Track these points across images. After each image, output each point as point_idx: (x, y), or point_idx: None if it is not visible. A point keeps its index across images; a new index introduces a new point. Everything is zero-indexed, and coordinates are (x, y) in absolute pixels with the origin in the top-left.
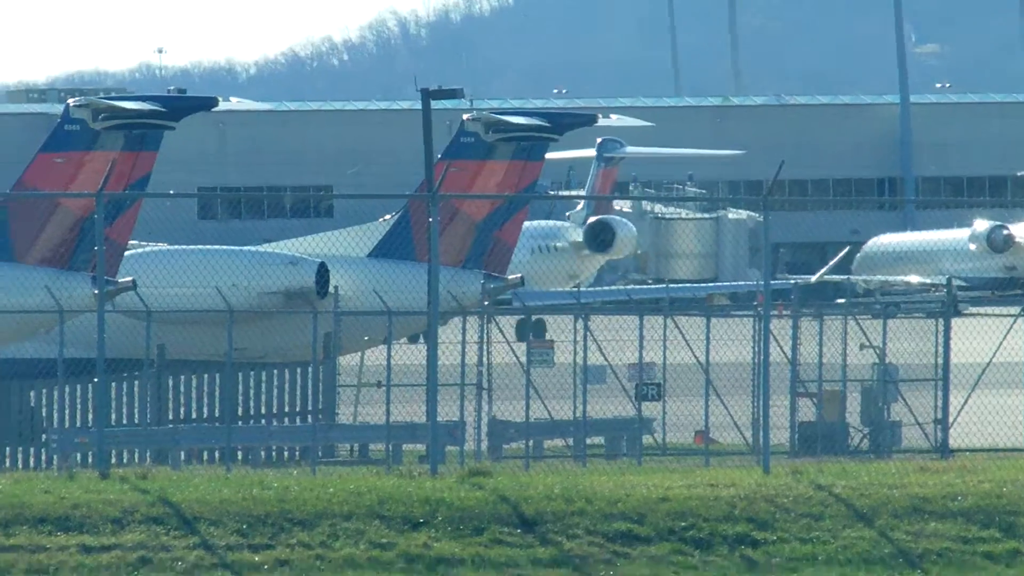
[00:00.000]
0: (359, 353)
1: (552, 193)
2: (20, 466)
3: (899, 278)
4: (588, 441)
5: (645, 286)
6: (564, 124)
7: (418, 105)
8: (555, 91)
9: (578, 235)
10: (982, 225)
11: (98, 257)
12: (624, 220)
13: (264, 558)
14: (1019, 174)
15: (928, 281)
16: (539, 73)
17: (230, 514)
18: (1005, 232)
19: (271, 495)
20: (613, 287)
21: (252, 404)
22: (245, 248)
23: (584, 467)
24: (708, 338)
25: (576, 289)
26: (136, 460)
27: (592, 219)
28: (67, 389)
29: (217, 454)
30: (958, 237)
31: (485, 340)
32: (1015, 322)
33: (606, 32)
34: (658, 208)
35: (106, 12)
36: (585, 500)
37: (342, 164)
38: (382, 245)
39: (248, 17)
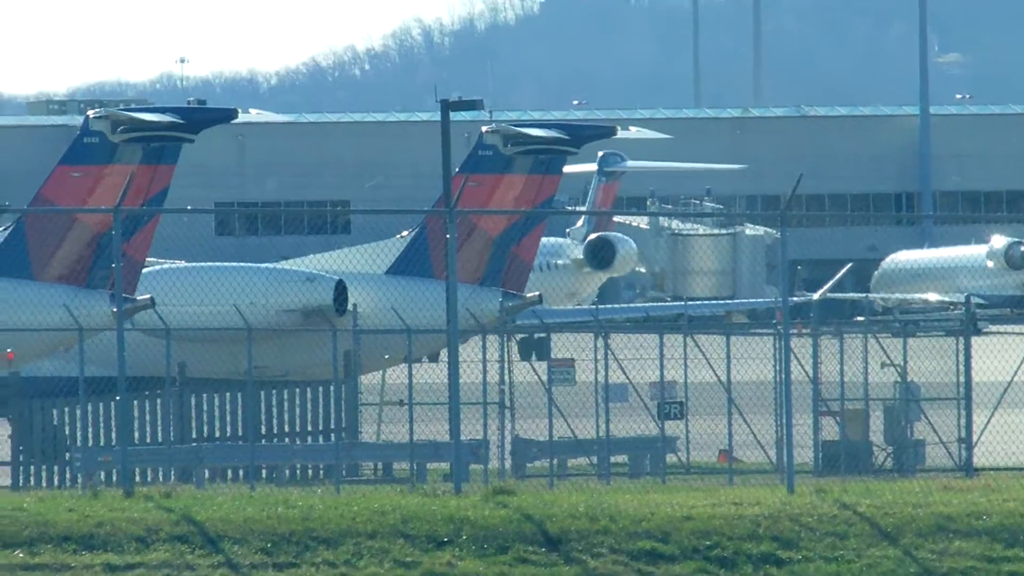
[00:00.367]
0: (380, 372)
1: (570, 208)
2: (44, 484)
3: (917, 296)
4: (611, 459)
5: (663, 303)
6: (583, 137)
7: (438, 116)
8: (575, 102)
9: (578, 252)
10: (999, 242)
11: (116, 274)
12: (624, 237)
13: None
14: None
15: (946, 299)
16: (560, 82)
17: (255, 532)
18: (1023, 249)
19: (295, 514)
20: (631, 304)
21: (275, 423)
22: (263, 265)
23: (608, 485)
24: (728, 356)
25: (595, 307)
26: (160, 478)
27: (592, 236)
28: (89, 407)
29: (241, 472)
30: (976, 254)
31: (505, 358)
32: None
33: (629, 42)
34: (675, 224)
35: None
36: (609, 518)
37: (361, 177)
38: (400, 262)
39: (270, 27)
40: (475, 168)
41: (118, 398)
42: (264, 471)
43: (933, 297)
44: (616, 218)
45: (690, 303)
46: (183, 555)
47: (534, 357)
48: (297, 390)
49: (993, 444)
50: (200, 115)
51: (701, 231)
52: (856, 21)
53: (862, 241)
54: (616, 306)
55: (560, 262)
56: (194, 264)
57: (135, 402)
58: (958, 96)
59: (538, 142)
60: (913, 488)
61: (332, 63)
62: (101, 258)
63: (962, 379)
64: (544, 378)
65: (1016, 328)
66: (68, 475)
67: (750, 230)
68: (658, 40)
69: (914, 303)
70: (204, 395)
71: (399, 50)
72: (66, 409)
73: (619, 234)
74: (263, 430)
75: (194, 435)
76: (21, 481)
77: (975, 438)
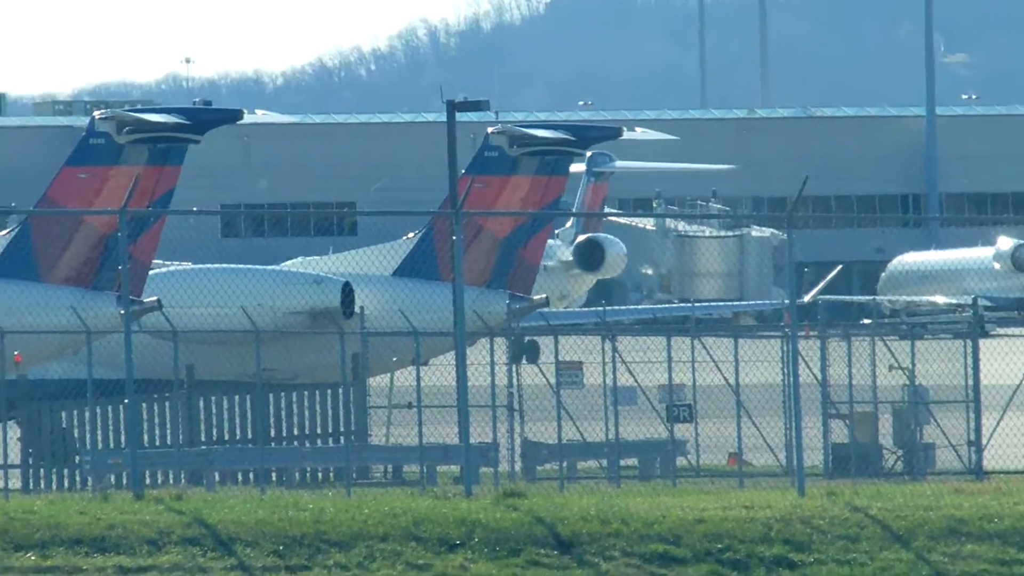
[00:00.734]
0: (388, 374)
1: (576, 210)
2: (54, 487)
3: (924, 298)
4: (621, 463)
5: (670, 305)
6: (589, 138)
7: (444, 117)
8: (580, 103)
9: (568, 254)
10: (1006, 243)
11: (123, 276)
12: (614, 238)
13: None
14: None
15: (954, 301)
16: (567, 83)
17: (266, 535)
18: None
19: (307, 516)
20: (638, 306)
21: (284, 425)
22: (270, 267)
23: (619, 488)
24: (736, 359)
25: (602, 308)
26: (170, 481)
27: (581, 237)
28: (98, 410)
29: (251, 475)
30: (982, 256)
31: (513, 361)
32: None
33: (635, 42)
34: (682, 226)
35: (133, 22)
36: (621, 521)
37: (367, 179)
38: (406, 264)
39: (276, 27)
40: (481, 169)
41: (126, 401)
42: (274, 474)
43: (940, 299)
44: (623, 220)
45: (697, 305)
46: (195, 558)
47: (524, 360)
48: (306, 393)
49: (1003, 447)
50: (206, 116)
51: (707, 233)
52: (862, 22)
53: (869, 243)
54: (623, 307)
55: (549, 264)
56: (201, 266)
57: (144, 404)
58: (964, 97)
59: (544, 143)
60: (924, 491)
61: (338, 64)
62: (108, 260)
63: (970, 382)
64: (552, 381)
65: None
66: (78, 478)
67: (756, 232)
68: (664, 40)
69: (921, 305)
70: (213, 398)
71: (405, 51)
72: (75, 412)
73: (608, 235)
74: (272, 433)
75: (203, 438)
76: (31, 484)
77: (984, 441)
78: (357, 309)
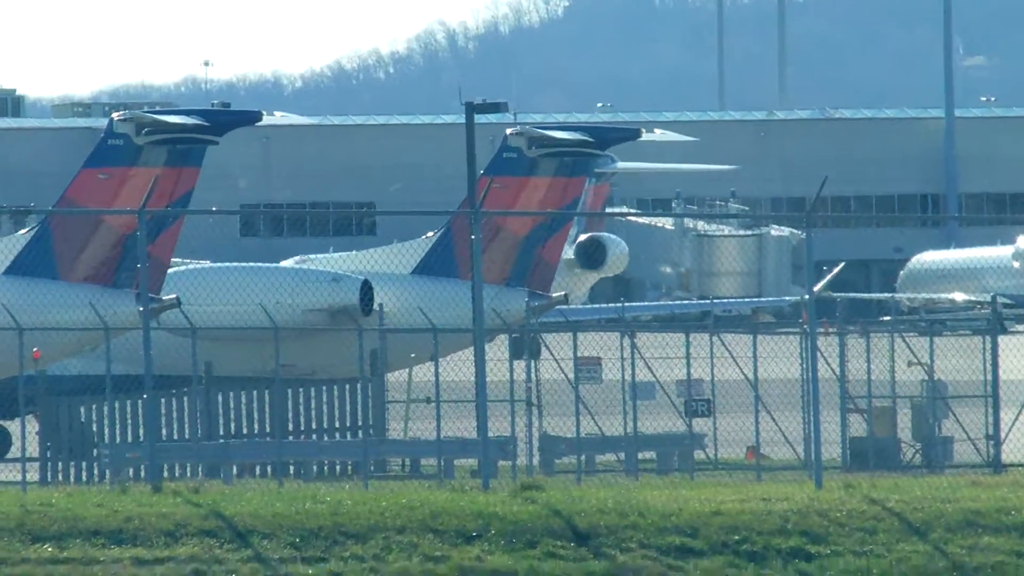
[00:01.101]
0: (407, 370)
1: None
2: (72, 481)
3: (943, 295)
4: (639, 456)
5: (689, 302)
6: (607, 139)
7: (463, 119)
8: (599, 105)
9: (569, 253)
10: None
11: (141, 275)
12: (615, 237)
13: (317, 571)
14: None
15: (972, 298)
16: (586, 85)
17: (283, 527)
18: None
19: (324, 509)
20: (657, 303)
21: (302, 420)
22: (289, 265)
23: (636, 481)
24: (755, 354)
25: (621, 304)
26: (188, 475)
27: (583, 236)
28: (116, 405)
29: (269, 469)
30: (1001, 255)
31: (532, 356)
32: None
33: (654, 44)
34: (701, 225)
35: (152, 24)
36: (638, 514)
37: (386, 180)
38: (425, 262)
39: (295, 29)
40: (500, 170)
41: (145, 396)
42: (291, 468)
43: (959, 297)
44: (642, 219)
45: (716, 301)
46: (212, 549)
47: (525, 356)
48: (324, 388)
49: (1021, 441)
50: (225, 118)
51: (727, 232)
52: (881, 23)
53: (888, 243)
54: (641, 304)
55: None
56: (221, 264)
57: (162, 400)
58: (983, 98)
59: (562, 144)
60: (941, 484)
61: (356, 66)
62: (127, 259)
63: (989, 377)
64: (571, 376)
65: None
66: (96, 471)
67: (776, 231)
68: (683, 42)
69: (940, 303)
70: (231, 393)
71: (423, 53)
72: (93, 407)
73: (610, 235)
74: (290, 427)
75: (221, 432)
76: (49, 477)
77: (1003, 435)
78: (376, 307)
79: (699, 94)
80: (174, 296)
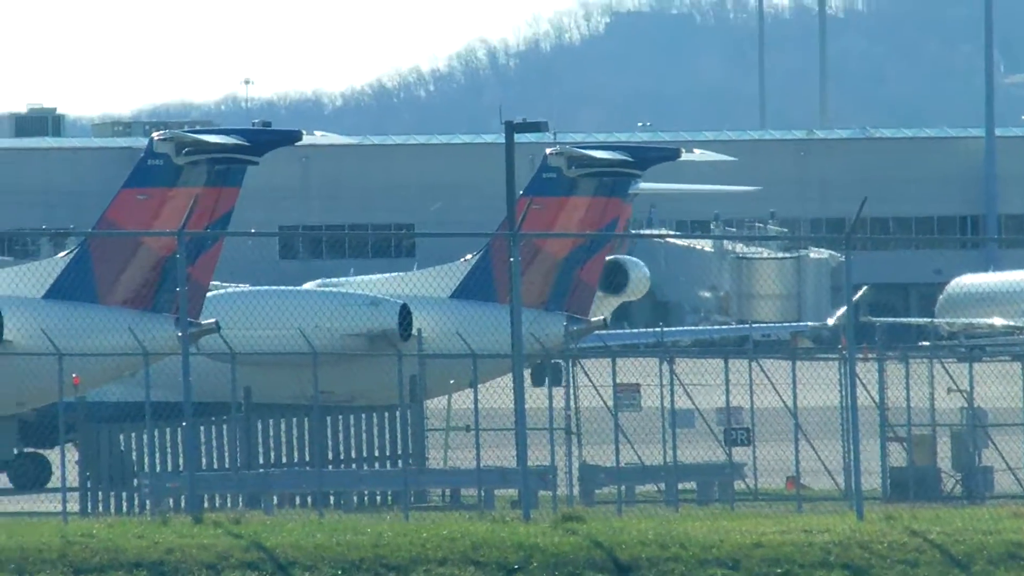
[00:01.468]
0: (445, 397)
1: (634, 232)
2: (112, 511)
3: (983, 320)
4: (679, 486)
5: (727, 327)
6: (647, 159)
7: (503, 138)
8: (639, 124)
9: None
10: None
11: (180, 298)
12: (637, 260)
13: None
14: None
15: (1012, 323)
16: (626, 103)
17: (325, 559)
18: None
19: (365, 540)
20: (695, 328)
21: (341, 448)
22: (328, 289)
23: (677, 512)
24: (794, 381)
25: (660, 329)
26: (228, 504)
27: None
28: (156, 433)
29: (309, 499)
30: None
31: (571, 384)
32: None
33: (694, 62)
34: (740, 248)
35: (193, 43)
36: (679, 546)
37: (425, 200)
38: (464, 285)
39: (336, 48)
40: (539, 191)
41: (184, 423)
42: (331, 497)
43: (999, 322)
44: (680, 241)
45: (755, 325)
46: None
47: (547, 383)
48: (363, 415)
49: None
50: (265, 137)
51: (766, 254)
52: (923, 42)
53: (927, 264)
54: (680, 328)
55: None
56: (259, 288)
57: (201, 427)
58: None
59: (602, 164)
60: (983, 515)
61: (397, 84)
62: (166, 281)
63: None
64: (610, 403)
65: None
66: (136, 501)
67: (815, 253)
68: (724, 60)
69: (980, 328)
70: (270, 421)
71: (464, 71)
72: (132, 435)
73: (631, 257)
74: (329, 455)
75: (261, 460)
76: (89, 507)
77: None
78: (415, 331)
79: (740, 111)
80: (213, 321)
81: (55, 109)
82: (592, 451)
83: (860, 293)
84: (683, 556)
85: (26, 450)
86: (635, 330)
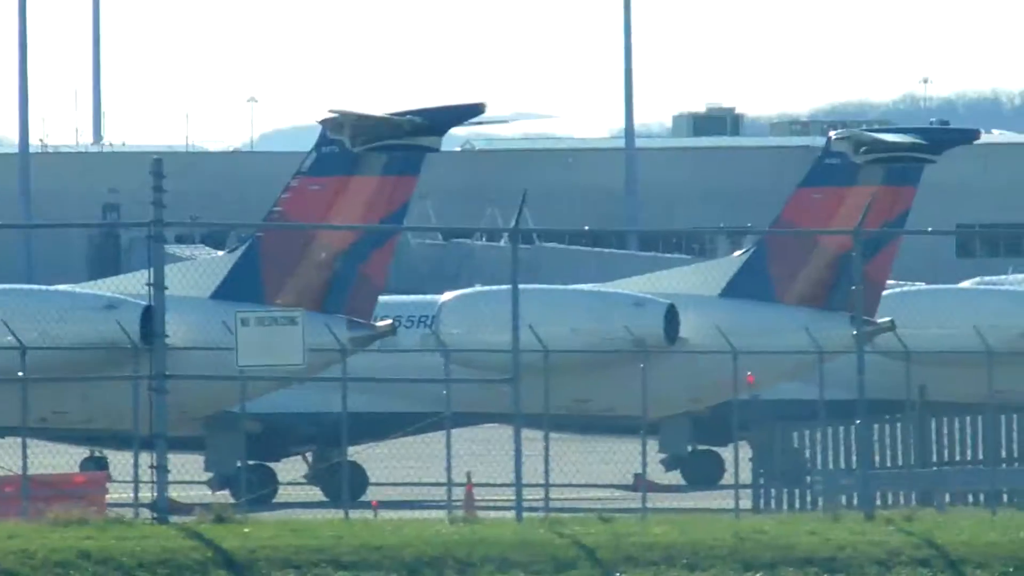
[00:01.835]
0: None
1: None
2: (784, 507)
3: None
4: None
5: None
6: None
7: None
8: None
9: None
10: None
11: (855, 296)
12: None
13: None
14: None
15: None
16: None
17: (996, 557)
18: None
19: None
20: None
21: (1015, 447)
22: (983, 287)
23: None
24: None
25: None
26: (900, 502)
27: None
28: (830, 431)
29: (981, 496)
30: None
31: None
32: None
33: None
34: None
35: (873, 41)
36: None
37: None
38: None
39: (1016, 45)
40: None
41: (858, 421)
42: (1004, 495)
43: None
44: None
45: None
46: None
47: None
48: None
49: None
50: (942, 136)
51: None
52: None
53: None
54: None
55: None
56: (934, 286)
57: (875, 425)
58: None
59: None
60: None
61: None
62: (841, 279)
63: None
64: None
65: None
66: (808, 498)
67: None
68: None
69: None
70: (944, 419)
71: None
72: (806, 432)
73: None
74: (1003, 453)
75: (934, 458)
76: (762, 504)
77: None
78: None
79: None
80: (888, 319)
81: (733, 109)
82: None
83: None
84: None
85: (699, 447)
86: None
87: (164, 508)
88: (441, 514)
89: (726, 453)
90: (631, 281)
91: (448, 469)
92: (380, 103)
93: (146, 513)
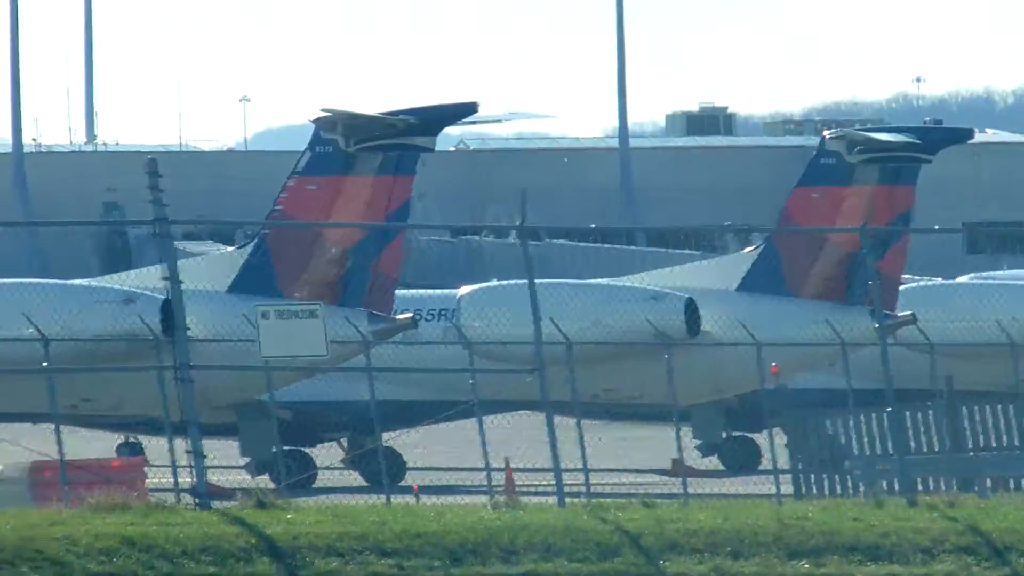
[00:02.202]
0: None
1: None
2: (826, 492)
3: None
4: None
5: None
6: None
7: None
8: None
9: None
10: None
11: (874, 291)
12: None
13: None
14: None
15: None
16: None
17: None
18: None
19: None
20: None
21: None
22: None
23: None
24: None
25: None
26: (941, 487)
27: None
28: (862, 418)
29: (1022, 482)
30: None
31: None
32: None
33: None
34: None
35: (864, 40)
36: None
37: None
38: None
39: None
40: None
41: (889, 408)
42: None
43: None
44: None
45: None
46: (968, 567)
47: None
48: None
49: None
50: (936, 135)
51: None
52: None
53: None
54: None
55: None
56: (948, 282)
57: (907, 412)
58: None
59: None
60: None
61: None
62: (856, 275)
63: None
64: None
65: None
66: (849, 484)
67: None
68: None
69: None
70: (975, 407)
71: None
72: (839, 420)
73: None
74: None
75: (969, 444)
76: (803, 490)
77: None
78: None
79: None
80: (909, 313)
81: (726, 108)
82: None
83: None
84: None
85: (734, 434)
86: None
87: (204, 493)
88: (483, 499)
89: (760, 439)
90: (645, 276)
91: (485, 455)
92: (374, 102)
93: (187, 498)
